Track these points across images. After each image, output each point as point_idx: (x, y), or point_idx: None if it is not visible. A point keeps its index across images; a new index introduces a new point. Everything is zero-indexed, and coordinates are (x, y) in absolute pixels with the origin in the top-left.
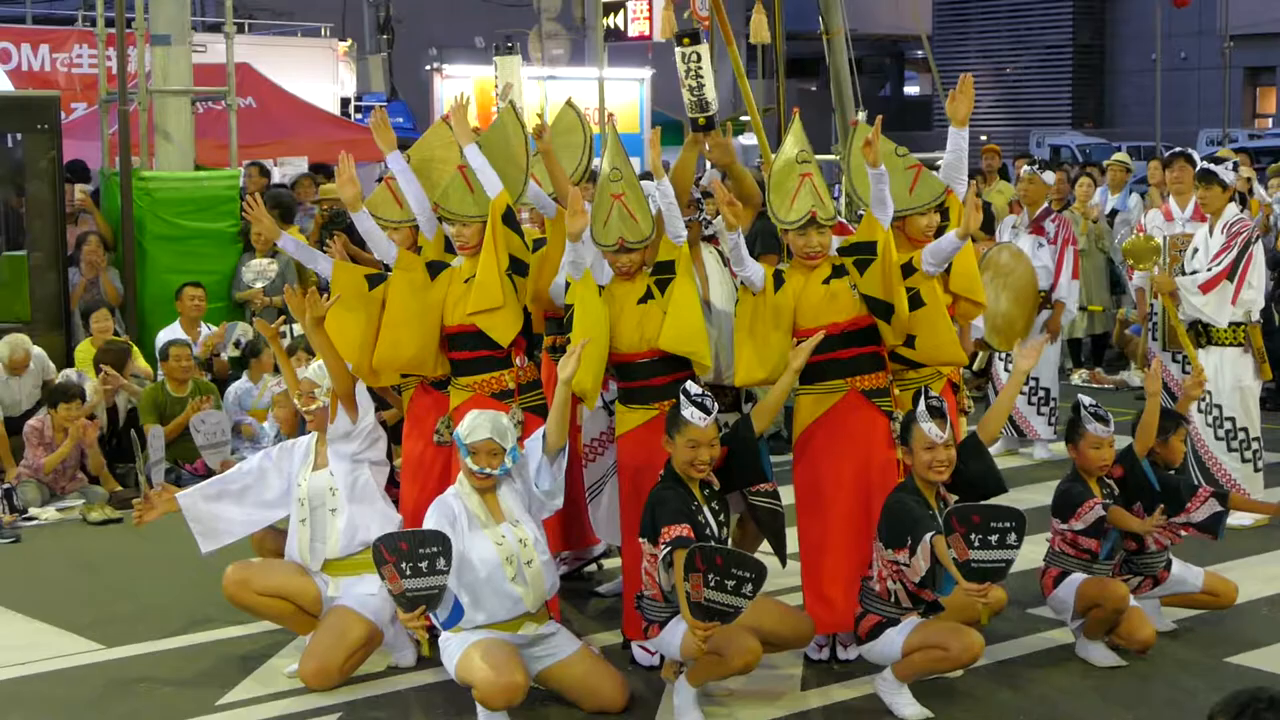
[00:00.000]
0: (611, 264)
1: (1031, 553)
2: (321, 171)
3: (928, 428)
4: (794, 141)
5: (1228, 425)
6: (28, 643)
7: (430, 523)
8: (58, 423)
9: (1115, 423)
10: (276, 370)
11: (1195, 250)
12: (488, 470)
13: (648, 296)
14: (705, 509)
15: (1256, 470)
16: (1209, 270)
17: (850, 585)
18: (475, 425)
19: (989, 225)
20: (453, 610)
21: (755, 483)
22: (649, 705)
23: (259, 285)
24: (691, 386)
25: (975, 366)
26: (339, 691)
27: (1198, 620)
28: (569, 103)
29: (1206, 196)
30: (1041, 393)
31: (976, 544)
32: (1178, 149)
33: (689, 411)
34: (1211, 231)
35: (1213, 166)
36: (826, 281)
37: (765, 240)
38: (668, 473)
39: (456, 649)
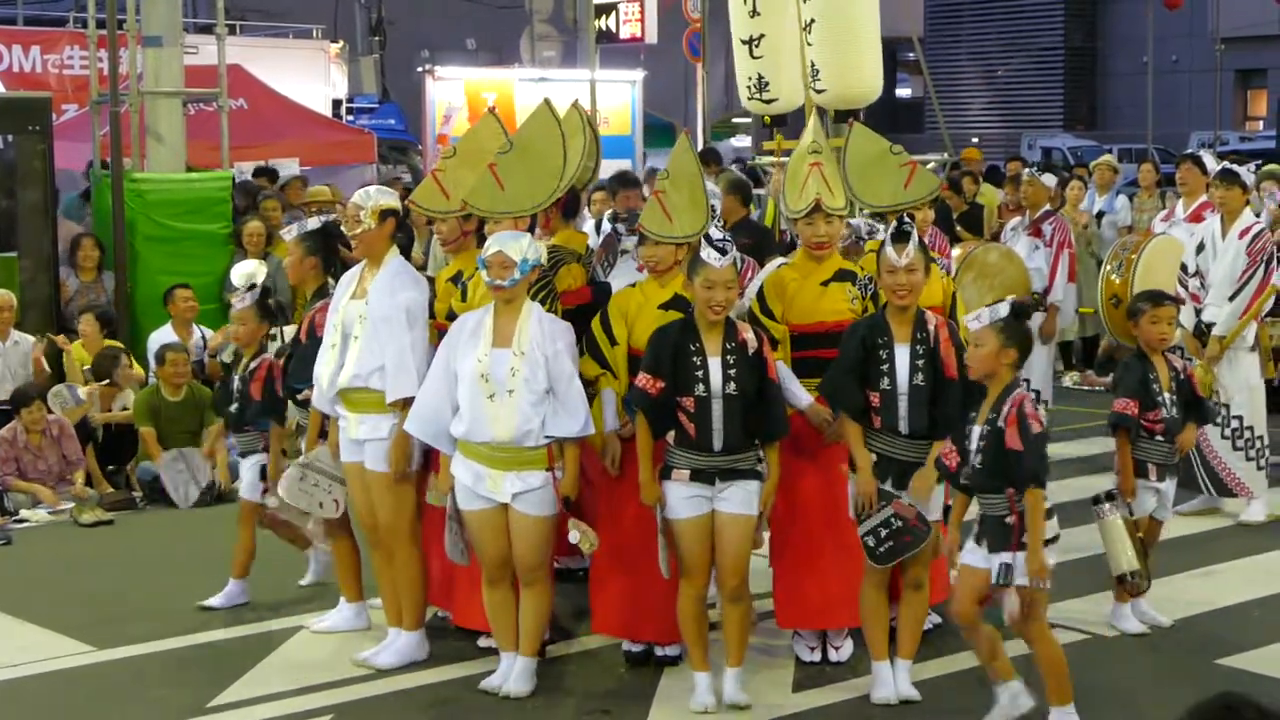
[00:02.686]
0: (639, 258)
1: None
2: (265, 175)
3: (889, 251)
4: (809, 133)
5: (1235, 424)
6: (18, 645)
7: (449, 334)
8: (27, 425)
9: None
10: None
11: (1200, 247)
12: (498, 281)
13: (672, 305)
14: (715, 359)
15: (1260, 469)
16: (1239, 291)
17: (824, 578)
18: (492, 241)
19: (977, 226)
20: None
21: (774, 434)
22: (643, 697)
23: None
24: (714, 231)
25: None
26: (331, 692)
27: (1189, 622)
28: (575, 105)
29: (1226, 197)
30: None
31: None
32: (1188, 151)
33: (706, 252)
34: (1224, 234)
35: (1236, 167)
36: (826, 283)
37: (765, 244)
38: (689, 314)
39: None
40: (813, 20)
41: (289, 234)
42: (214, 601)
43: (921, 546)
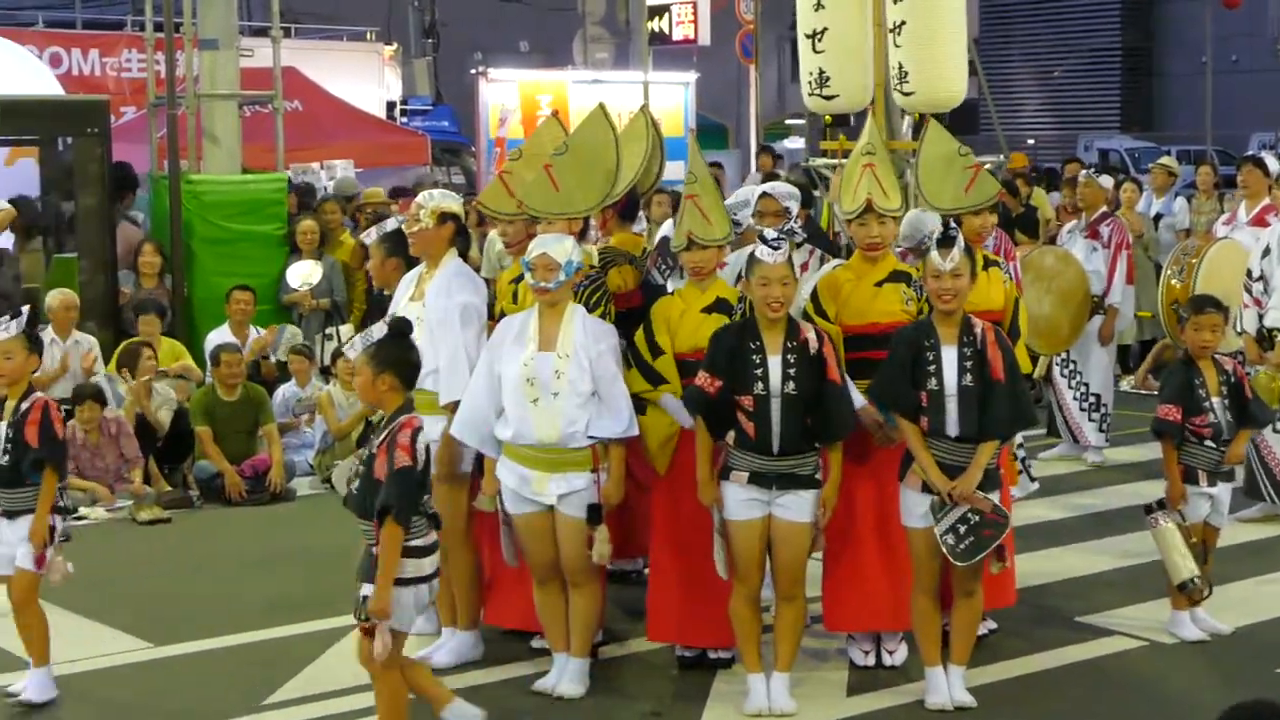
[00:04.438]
0: (684, 264)
1: (1078, 563)
2: (297, 190)
3: (934, 256)
4: (866, 134)
5: None
6: (76, 640)
7: (492, 337)
8: (82, 424)
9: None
10: (323, 372)
11: (1266, 251)
12: (543, 284)
13: (715, 308)
14: (775, 358)
15: None
16: None
17: (873, 580)
18: (535, 243)
19: (1033, 228)
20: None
21: (836, 435)
22: (697, 699)
23: (304, 289)
24: (768, 231)
25: (1036, 374)
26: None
27: (1250, 630)
28: (643, 109)
29: None
30: (1093, 398)
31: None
32: (1249, 153)
33: (760, 250)
34: None
35: None
36: (880, 284)
37: (815, 240)
38: (749, 313)
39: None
40: (903, 22)
41: (369, 237)
42: (18, 689)
43: (1002, 537)
